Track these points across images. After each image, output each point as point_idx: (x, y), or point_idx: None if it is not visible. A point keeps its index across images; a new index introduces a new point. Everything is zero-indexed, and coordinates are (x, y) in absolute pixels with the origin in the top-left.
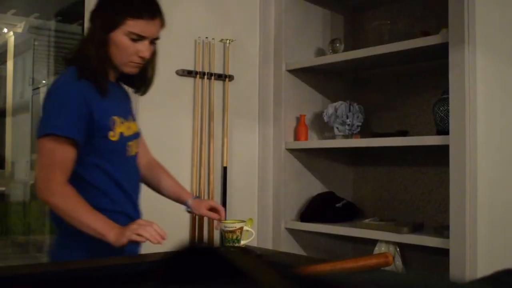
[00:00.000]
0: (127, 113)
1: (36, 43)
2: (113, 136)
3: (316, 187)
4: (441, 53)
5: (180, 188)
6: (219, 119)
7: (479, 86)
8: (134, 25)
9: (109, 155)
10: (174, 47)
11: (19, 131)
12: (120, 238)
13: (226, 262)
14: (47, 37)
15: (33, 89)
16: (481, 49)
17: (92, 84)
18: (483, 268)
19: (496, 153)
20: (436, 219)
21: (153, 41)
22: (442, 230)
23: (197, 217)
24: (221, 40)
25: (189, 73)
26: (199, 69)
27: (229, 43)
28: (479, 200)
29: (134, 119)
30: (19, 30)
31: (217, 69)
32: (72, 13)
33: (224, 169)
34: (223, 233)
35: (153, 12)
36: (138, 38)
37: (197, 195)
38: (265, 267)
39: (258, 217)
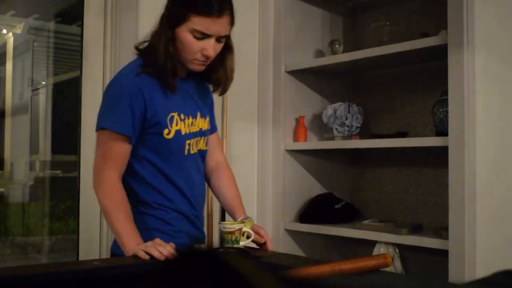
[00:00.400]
0: (196, 110)
1: (35, 44)
2: (168, 134)
3: (315, 188)
4: (440, 54)
5: (236, 204)
6: (218, 120)
7: (478, 88)
8: (198, 23)
9: (163, 152)
10: None
11: (18, 132)
12: (130, 251)
13: (225, 265)
14: (47, 38)
15: (33, 90)
16: (480, 50)
17: (155, 80)
18: (482, 269)
19: (495, 154)
20: (435, 220)
21: (220, 39)
22: (441, 231)
23: None
24: None
25: None
26: None
27: None
28: (478, 201)
29: (205, 116)
30: (19, 31)
31: None
32: (72, 14)
33: None
34: (222, 234)
35: (220, 9)
36: (202, 36)
37: None
38: (264, 271)
39: (257, 218)
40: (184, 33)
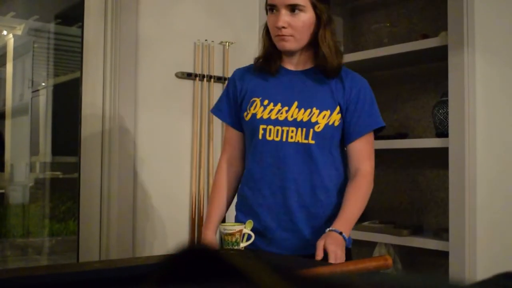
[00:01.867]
0: (293, 100)
1: (35, 45)
2: (246, 116)
3: None
4: (440, 55)
5: (340, 213)
6: (218, 121)
7: (478, 89)
8: None
9: (246, 135)
10: (174, 50)
11: (18, 133)
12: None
13: (226, 264)
14: (47, 39)
15: (33, 92)
16: (480, 52)
17: (256, 68)
18: (483, 271)
19: (495, 155)
20: (435, 221)
21: (294, 9)
22: (442, 232)
23: (196, 218)
24: (221, 43)
25: (189, 76)
26: (198, 71)
27: (228, 45)
28: (478, 203)
29: (308, 108)
30: (19, 32)
31: (217, 72)
32: (72, 16)
33: None
34: (222, 236)
35: None
36: (272, 8)
37: (197, 196)
38: (265, 269)
39: None
40: (268, 17)
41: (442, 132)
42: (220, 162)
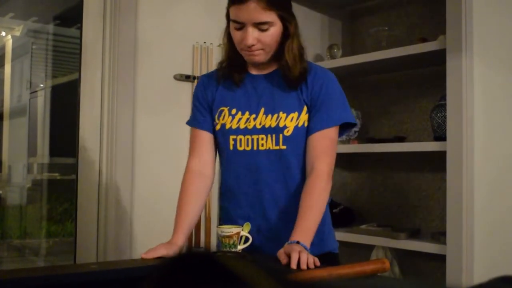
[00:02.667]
0: (259, 106)
1: (34, 46)
2: (216, 126)
3: None
4: (438, 59)
5: (298, 220)
6: None
7: (476, 93)
8: (232, 13)
9: (218, 145)
10: (172, 52)
11: (16, 134)
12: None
13: (223, 269)
14: (45, 40)
15: (31, 93)
16: (479, 55)
17: (222, 74)
18: (480, 274)
19: (493, 159)
20: (433, 225)
21: (260, 26)
22: (439, 236)
23: None
24: (219, 45)
25: (187, 78)
26: (197, 74)
27: None
28: (476, 206)
29: (272, 113)
30: (17, 33)
31: None
32: (71, 17)
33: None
34: (219, 238)
35: None
36: (238, 25)
37: None
38: (263, 274)
39: None
40: (231, 28)
41: (440, 135)
42: (189, 166)
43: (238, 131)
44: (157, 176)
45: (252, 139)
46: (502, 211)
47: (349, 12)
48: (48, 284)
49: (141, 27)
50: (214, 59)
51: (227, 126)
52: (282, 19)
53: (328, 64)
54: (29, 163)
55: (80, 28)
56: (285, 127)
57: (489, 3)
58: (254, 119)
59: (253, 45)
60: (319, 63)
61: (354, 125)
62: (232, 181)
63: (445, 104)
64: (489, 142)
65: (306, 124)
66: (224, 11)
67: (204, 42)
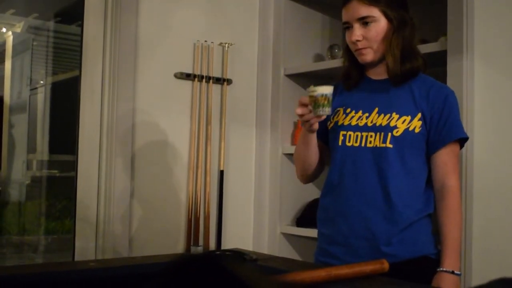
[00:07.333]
0: (373, 106)
1: (34, 43)
2: (329, 125)
3: (312, 192)
4: (439, 61)
5: (443, 247)
6: (216, 123)
7: (477, 94)
8: (342, 15)
9: (330, 145)
10: (173, 50)
11: (16, 131)
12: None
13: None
14: (46, 37)
15: (31, 90)
16: (480, 57)
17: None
18: (478, 276)
19: (492, 160)
20: (432, 223)
21: (365, 22)
22: (438, 235)
23: (193, 218)
24: (220, 44)
25: (188, 76)
26: (197, 72)
27: (228, 47)
28: (474, 208)
29: (385, 113)
30: (18, 30)
31: (216, 73)
32: (71, 14)
33: (221, 173)
34: (314, 99)
35: None
36: (347, 26)
37: (194, 197)
38: (261, 275)
39: (254, 222)
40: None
41: None
42: None
43: (349, 128)
44: (157, 173)
45: (362, 136)
46: (501, 214)
47: None
48: (46, 281)
49: (142, 25)
50: (215, 57)
51: (340, 123)
52: (386, 15)
53: (328, 64)
54: (28, 160)
55: (81, 25)
56: (395, 127)
57: (490, 5)
58: (367, 117)
59: (359, 40)
60: (320, 63)
61: (466, 141)
62: (335, 176)
63: None
64: (490, 144)
65: (416, 130)
66: (225, 10)
67: (205, 41)
